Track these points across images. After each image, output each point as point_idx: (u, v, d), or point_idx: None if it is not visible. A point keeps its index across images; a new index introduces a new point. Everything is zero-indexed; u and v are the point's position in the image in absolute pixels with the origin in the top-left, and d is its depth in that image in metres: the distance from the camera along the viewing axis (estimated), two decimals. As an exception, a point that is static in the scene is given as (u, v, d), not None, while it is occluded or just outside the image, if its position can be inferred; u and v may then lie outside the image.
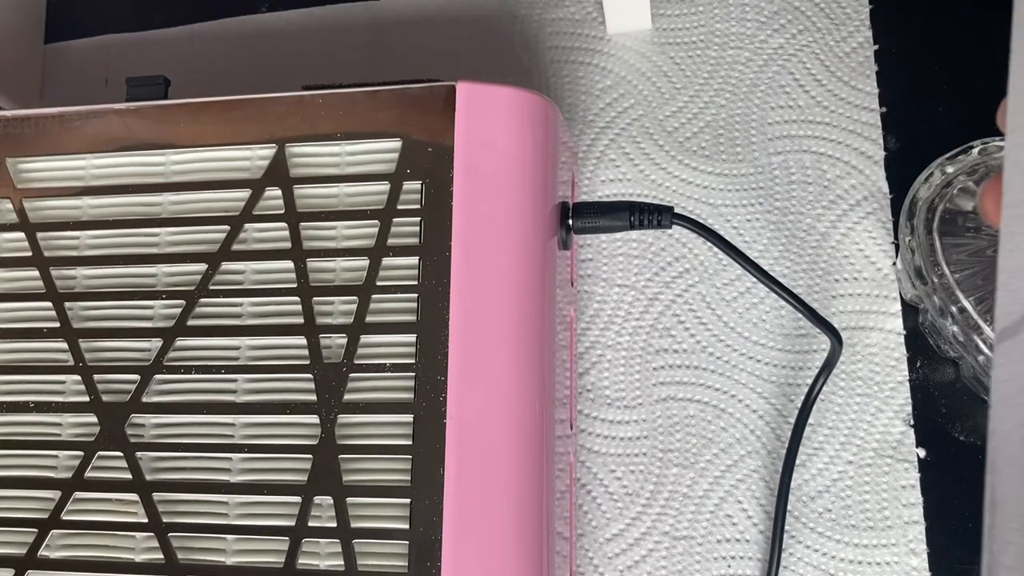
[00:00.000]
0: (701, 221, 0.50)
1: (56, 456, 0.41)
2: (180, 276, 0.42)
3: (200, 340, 0.41)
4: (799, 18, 0.54)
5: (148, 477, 0.40)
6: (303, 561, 0.38)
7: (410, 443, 0.38)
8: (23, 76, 0.62)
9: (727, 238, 0.47)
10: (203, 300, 0.41)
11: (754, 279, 0.47)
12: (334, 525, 0.38)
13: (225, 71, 0.60)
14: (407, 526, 0.37)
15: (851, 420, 0.47)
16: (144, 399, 0.41)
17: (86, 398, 0.41)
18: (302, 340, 0.40)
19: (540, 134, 0.41)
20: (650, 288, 0.51)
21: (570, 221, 0.43)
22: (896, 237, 0.49)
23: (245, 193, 0.42)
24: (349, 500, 0.38)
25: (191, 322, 0.41)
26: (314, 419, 0.39)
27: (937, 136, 0.49)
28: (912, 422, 0.46)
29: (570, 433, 0.45)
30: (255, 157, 0.42)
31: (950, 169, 0.47)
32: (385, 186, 0.41)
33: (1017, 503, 0.23)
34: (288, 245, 0.41)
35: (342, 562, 0.37)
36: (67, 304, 0.42)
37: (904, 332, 0.48)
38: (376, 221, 0.40)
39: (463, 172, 0.40)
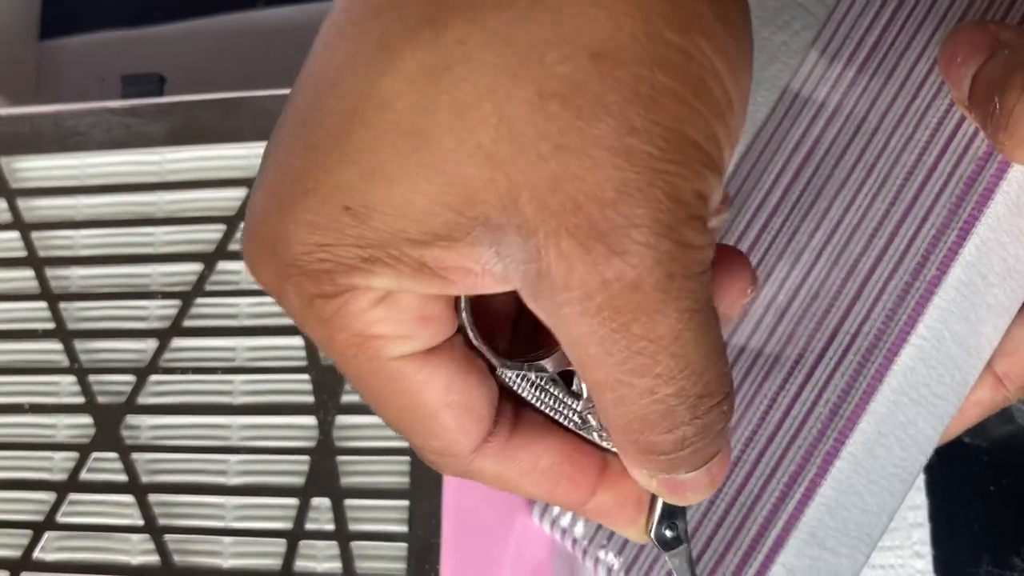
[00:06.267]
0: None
1: (51, 458, 0.41)
2: (176, 276, 0.42)
3: (196, 341, 0.41)
4: (802, 15, 0.54)
5: (144, 479, 0.40)
6: (301, 564, 0.38)
7: (408, 444, 0.38)
8: (17, 74, 0.61)
9: (729, 237, 0.46)
10: (199, 300, 0.41)
11: (756, 278, 0.46)
12: (332, 528, 0.38)
13: (221, 68, 0.60)
14: (406, 528, 0.37)
15: (854, 420, 0.47)
16: (139, 400, 0.40)
17: (81, 399, 0.41)
18: (299, 341, 0.40)
19: (540, 132, 0.41)
20: (651, 287, 0.50)
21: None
22: (899, 235, 0.49)
23: (242, 192, 0.41)
24: (347, 502, 0.38)
25: (187, 322, 0.41)
26: (312, 420, 0.39)
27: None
28: (916, 422, 0.46)
29: (571, 434, 0.45)
30: (252, 155, 0.42)
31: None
32: (383, 184, 0.40)
33: None
34: (285, 244, 0.41)
35: (340, 565, 0.37)
36: (62, 304, 0.42)
37: (908, 331, 0.47)
38: (374, 220, 0.40)
39: (462, 170, 0.39)
